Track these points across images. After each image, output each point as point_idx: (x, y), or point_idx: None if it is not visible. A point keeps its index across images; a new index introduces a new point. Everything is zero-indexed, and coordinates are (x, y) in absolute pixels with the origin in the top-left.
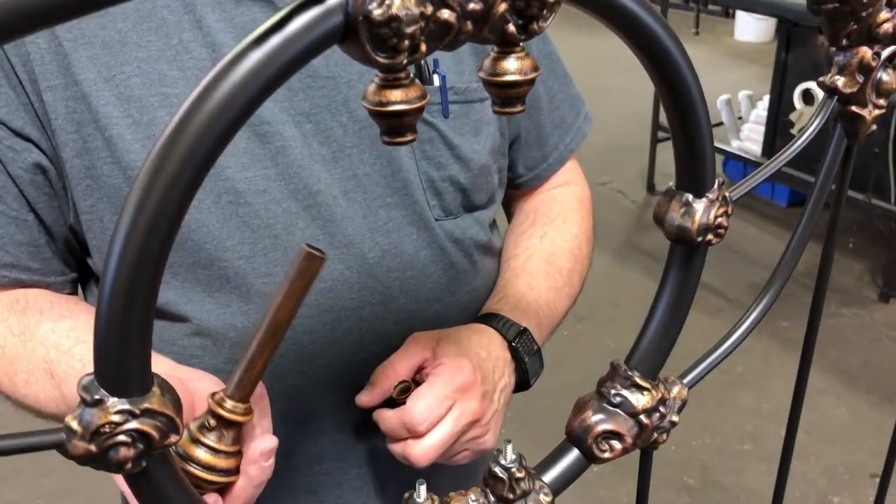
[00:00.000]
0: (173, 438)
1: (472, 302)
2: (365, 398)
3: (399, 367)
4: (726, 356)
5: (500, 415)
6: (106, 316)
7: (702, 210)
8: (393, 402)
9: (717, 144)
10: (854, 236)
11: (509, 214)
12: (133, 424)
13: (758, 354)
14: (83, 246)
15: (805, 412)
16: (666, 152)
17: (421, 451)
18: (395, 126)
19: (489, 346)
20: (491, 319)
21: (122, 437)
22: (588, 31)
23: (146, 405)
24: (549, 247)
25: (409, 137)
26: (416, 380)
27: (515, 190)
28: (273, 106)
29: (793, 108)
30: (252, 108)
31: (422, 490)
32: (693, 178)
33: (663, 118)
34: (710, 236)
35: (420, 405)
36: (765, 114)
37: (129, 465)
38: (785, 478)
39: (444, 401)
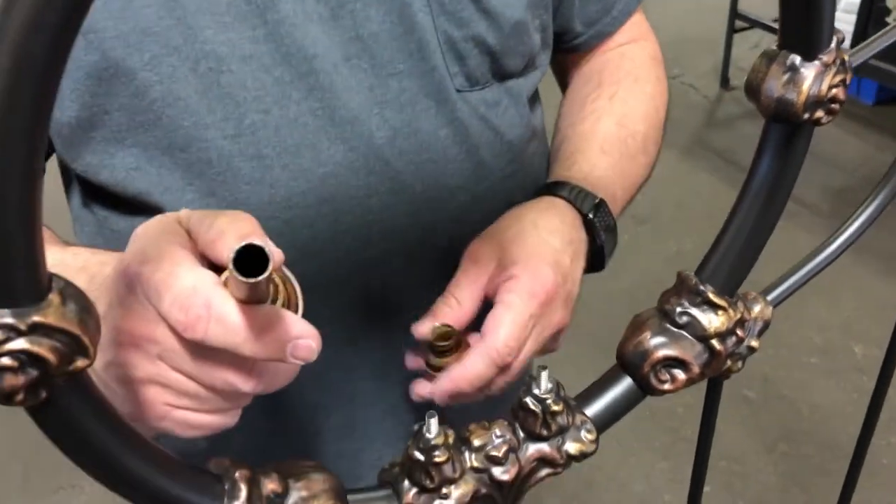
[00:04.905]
0: (80, 363)
1: (502, 192)
2: (422, 329)
3: (465, 301)
4: (821, 270)
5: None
6: None
7: (812, 77)
8: (434, 348)
9: None
10: None
11: (564, 84)
12: (18, 344)
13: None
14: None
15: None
16: (743, 43)
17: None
18: None
19: (561, 229)
20: (560, 189)
21: (5, 361)
22: None
23: (36, 318)
24: (620, 108)
25: None
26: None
27: (573, 53)
28: None
29: None
30: None
31: (433, 424)
32: (803, 32)
33: (742, 4)
34: (819, 113)
35: (503, 333)
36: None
37: (20, 397)
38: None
39: (528, 323)
